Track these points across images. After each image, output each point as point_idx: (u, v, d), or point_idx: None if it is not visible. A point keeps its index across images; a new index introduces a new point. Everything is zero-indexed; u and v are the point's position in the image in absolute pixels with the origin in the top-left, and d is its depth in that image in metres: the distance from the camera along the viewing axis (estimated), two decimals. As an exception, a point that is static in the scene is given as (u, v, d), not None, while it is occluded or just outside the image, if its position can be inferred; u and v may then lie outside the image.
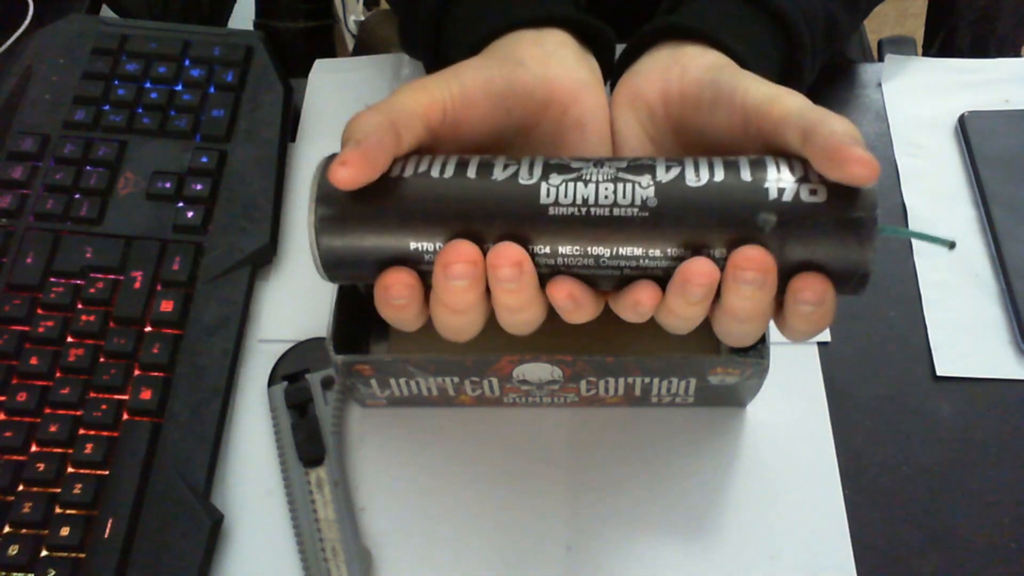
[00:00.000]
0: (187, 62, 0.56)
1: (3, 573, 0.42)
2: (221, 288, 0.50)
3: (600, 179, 0.30)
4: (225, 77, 0.56)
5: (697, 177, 0.29)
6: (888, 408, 0.46)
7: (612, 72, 0.41)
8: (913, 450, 0.45)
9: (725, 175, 0.29)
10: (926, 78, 0.57)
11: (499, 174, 0.30)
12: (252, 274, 0.51)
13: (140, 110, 0.55)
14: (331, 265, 0.32)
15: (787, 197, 0.28)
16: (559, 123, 0.35)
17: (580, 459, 0.45)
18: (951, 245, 0.31)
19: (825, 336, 0.48)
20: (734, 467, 0.45)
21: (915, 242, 0.51)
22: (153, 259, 0.50)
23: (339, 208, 0.31)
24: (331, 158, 0.32)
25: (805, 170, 0.29)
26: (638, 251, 0.29)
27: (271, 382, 0.48)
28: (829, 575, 0.42)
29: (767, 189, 0.29)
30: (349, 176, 0.30)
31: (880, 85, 0.57)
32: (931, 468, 0.45)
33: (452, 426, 0.47)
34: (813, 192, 0.28)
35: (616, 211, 0.29)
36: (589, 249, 0.30)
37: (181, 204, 0.52)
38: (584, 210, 0.29)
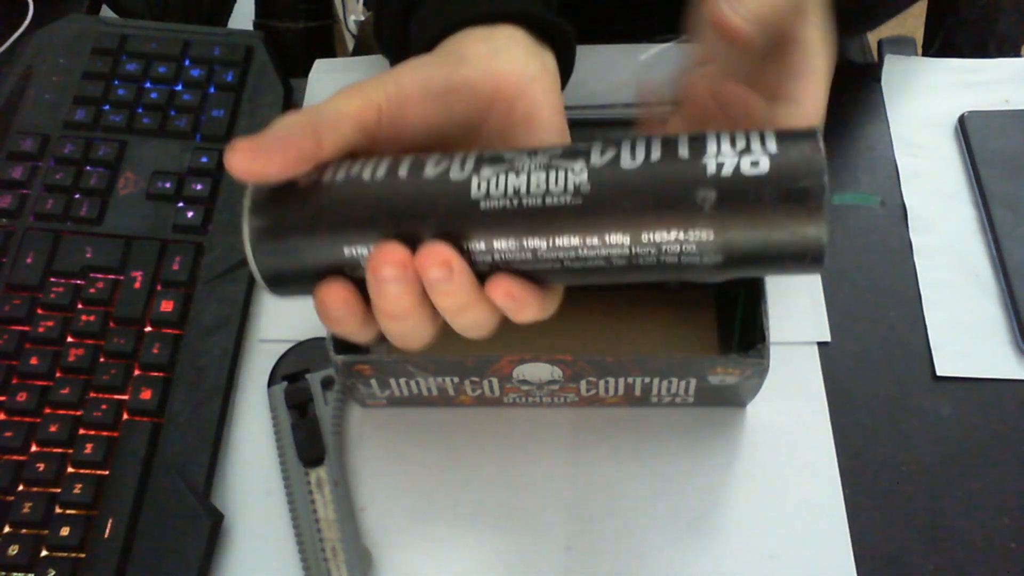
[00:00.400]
0: (187, 62, 0.56)
1: (3, 573, 0.42)
2: (221, 288, 0.50)
3: (532, 168, 0.29)
4: (225, 77, 0.56)
5: (633, 158, 0.28)
6: (888, 408, 0.46)
7: (572, 68, 0.40)
8: (913, 450, 0.45)
9: (662, 154, 0.28)
10: (926, 78, 0.57)
11: (430, 171, 0.29)
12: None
13: (140, 110, 0.55)
14: (271, 277, 0.31)
15: (726, 171, 0.27)
16: (507, 118, 0.35)
17: (580, 459, 0.45)
18: (881, 203, 0.30)
19: (825, 336, 0.48)
20: (734, 467, 0.45)
21: (915, 242, 0.51)
22: (153, 259, 0.50)
23: (271, 218, 0.30)
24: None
25: (748, 142, 0.28)
26: (575, 241, 0.28)
27: (271, 382, 0.48)
28: (829, 575, 0.42)
29: (705, 165, 0.27)
30: (236, 164, 0.29)
31: (880, 85, 0.57)
32: (931, 468, 0.45)
33: (452, 426, 0.47)
34: (755, 164, 0.27)
35: (548, 200, 0.28)
36: (525, 243, 0.28)
37: (181, 204, 0.52)
38: (516, 201, 0.28)
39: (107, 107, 0.54)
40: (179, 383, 0.47)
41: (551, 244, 0.28)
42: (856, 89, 0.57)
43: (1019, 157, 0.53)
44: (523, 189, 0.28)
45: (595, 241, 0.28)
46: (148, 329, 0.48)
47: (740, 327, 0.45)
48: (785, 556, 0.43)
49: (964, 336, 0.48)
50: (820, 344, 0.48)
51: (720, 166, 0.27)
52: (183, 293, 0.49)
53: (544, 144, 0.34)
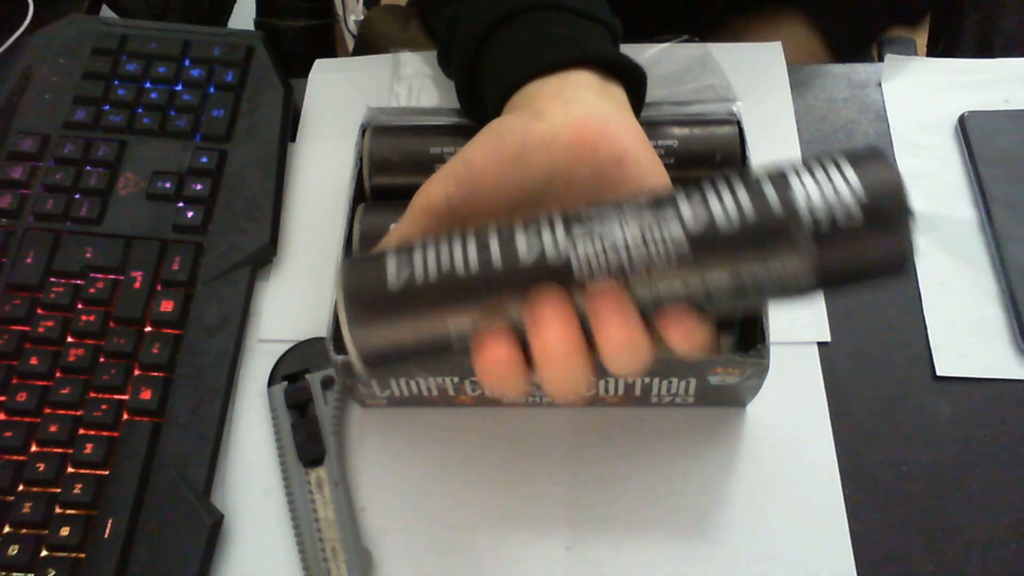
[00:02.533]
0: (187, 62, 0.56)
1: (3, 573, 0.42)
2: (221, 288, 0.50)
3: (629, 241, 0.29)
4: (225, 77, 0.56)
5: (725, 214, 0.29)
6: (888, 408, 0.46)
7: (644, 94, 0.41)
8: (913, 450, 0.45)
9: (753, 209, 0.29)
10: (926, 78, 0.57)
11: (524, 254, 0.30)
12: (252, 274, 0.51)
13: (140, 110, 0.55)
14: (378, 377, 0.33)
15: (824, 227, 0.28)
16: (594, 162, 0.35)
17: (580, 459, 0.45)
18: None
19: (825, 336, 0.48)
20: (734, 467, 0.45)
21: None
22: (153, 259, 0.50)
23: (372, 328, 0.30)
24: (353, 261, 0.32)
25: (831, 179, 0.29)
26: (680, 292, 0.29)
27: (271, 382, 0.48)
28: (829, 575, 0.42)
29: (801, 221, 0.28)
30: None
31: (880, 85, 0.57)
32: (931, 468, 0.45)
33: (452, 426, 0.47)
34: (849, 216, 0.28)
35: (653, 270, 0.29)
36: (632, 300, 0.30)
37: (181, 204, 0.52)
38: (623, 281, 0.29)
39: (107, 107, 0.54)
40: (179, 383, 0.47)
41: (655, 297, 0.30)
42: (856, 89, 0.57)
43: (1019, 157, 0.52)
44: (626, 264, 0.29)
45: (699, 291, 0.29)
46: (148, 329, 0.48)
47: (740, 327, 0.44)
48: (785, 556, 0.43)
49: (964, 336, 0.48)
50: (820, 344, 0.48)
51: (817, 222, 0.28)
52: (183, 293, 0.49)
53: (639, 179, 0.35)
